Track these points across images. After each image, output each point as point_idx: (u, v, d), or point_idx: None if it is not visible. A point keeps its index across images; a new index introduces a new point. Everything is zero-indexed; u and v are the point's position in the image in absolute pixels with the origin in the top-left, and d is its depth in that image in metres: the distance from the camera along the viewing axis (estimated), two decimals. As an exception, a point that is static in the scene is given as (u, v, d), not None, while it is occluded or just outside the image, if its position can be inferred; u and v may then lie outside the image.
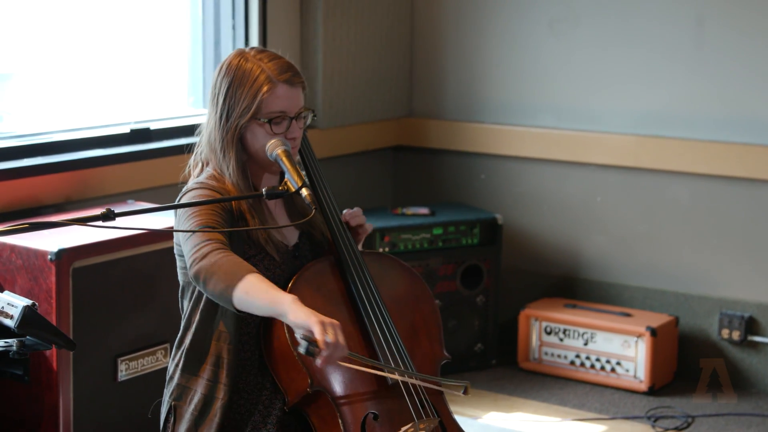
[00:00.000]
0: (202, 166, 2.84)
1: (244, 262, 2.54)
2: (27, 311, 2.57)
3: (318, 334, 2.39)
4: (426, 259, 5.10)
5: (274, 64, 2.73)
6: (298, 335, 2.43)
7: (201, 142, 2.85)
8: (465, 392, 2.65)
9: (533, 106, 5.44)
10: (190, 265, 2.54)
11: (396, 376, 2.71)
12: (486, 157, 5.58)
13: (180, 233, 2.69)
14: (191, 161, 2.88)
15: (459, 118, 5.65)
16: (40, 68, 4.47)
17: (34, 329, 2.58)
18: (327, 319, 2.42)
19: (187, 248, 2.59)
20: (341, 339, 2.44)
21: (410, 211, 5.24)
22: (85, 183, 4.27)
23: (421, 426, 2.69)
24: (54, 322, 3.61)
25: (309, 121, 2.81)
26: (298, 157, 2.85)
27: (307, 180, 2.71)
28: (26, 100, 4.45)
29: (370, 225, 2.93)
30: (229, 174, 2.74)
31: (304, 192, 2.61)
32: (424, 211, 5.24)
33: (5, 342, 2.67)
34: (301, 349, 2.41)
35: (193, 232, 2.61)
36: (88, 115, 4.58)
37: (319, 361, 2.43)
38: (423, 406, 2.75)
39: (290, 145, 2.73)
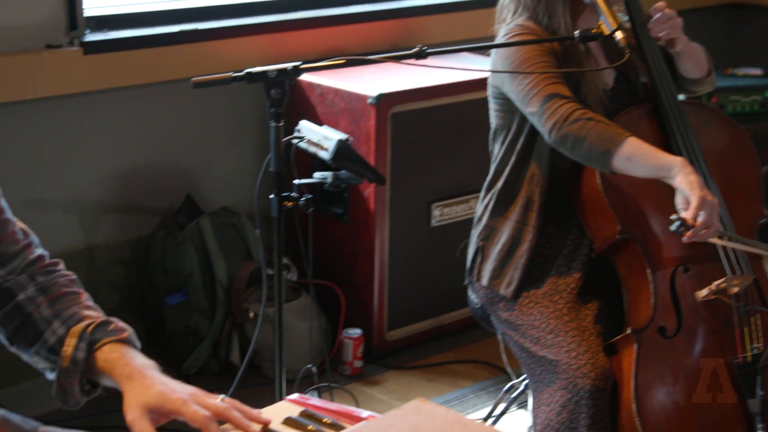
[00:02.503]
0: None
1: (613, 123, 2.49)
2: (341, 144, 2.64)
3: (692, 210, 2.35)
4: (756, 123, 4.83)
5: None
6: (674, 215, 2.38)
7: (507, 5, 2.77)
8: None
9: None
10: (552, 128, 2.49)
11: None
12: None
13: (505, 79, 2.64)
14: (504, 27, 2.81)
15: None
16: None
17: (347, 162, 2.65)
18: (709, 197, 2.37)
19: (534, 107, 2.53)
20: (715, 221, 2.39)
21: (741, 71, 4.97)
22: (410, 31, 4.31)
23: (735, 282, 2.57)
24: (372, 165, 3.72)
25: None
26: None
27: (622, 23, 2.60)
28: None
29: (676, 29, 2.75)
30: (565, 30, 2.65)
31: (619, 35, 2.50)
32: (757, 72, 4.95)
33: (322, 175, 2.77)
34: (672, 227, 2.37)
35: (508, 72, 2.58)
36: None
37: (685, 238, 2.39)
38: (738, 263, 2.63)
39: None
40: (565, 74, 2.61)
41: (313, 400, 1.82)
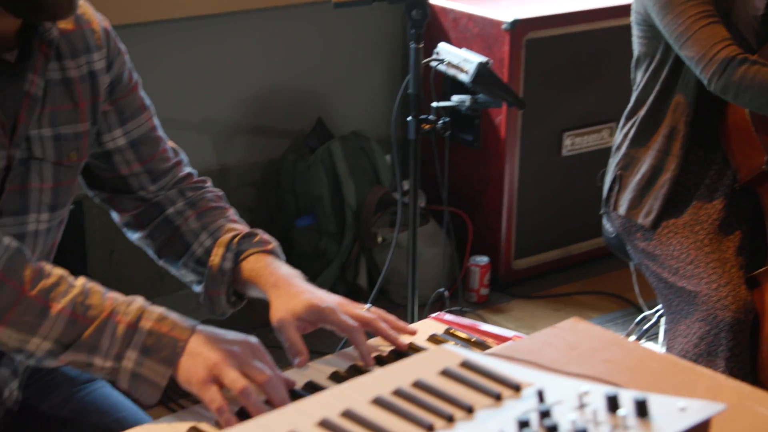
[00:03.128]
0: None
1: None
2: (481, 67, 2.61)
3: None
4: None
5: None
6: None
7: None
8: None
9: None
10: (711, 78, 2.41)
11: None
12: None
13: (653, 9, 2.57)
14: None
15: None
16: None
17: (486, 85, 2.63)
18: None
19: (690, 51, 2.45)
20: None
21: None
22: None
23: None
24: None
25: None
26: None
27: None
28: None
29: None
30: None
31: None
32: None
33: (459, 98, 2.75)
34: None
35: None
36: None
37: None
38: None
39: None
40: (716, 0, 2.53)
41: (457, 318, 1.81)
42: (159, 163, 1.81)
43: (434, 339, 1.72)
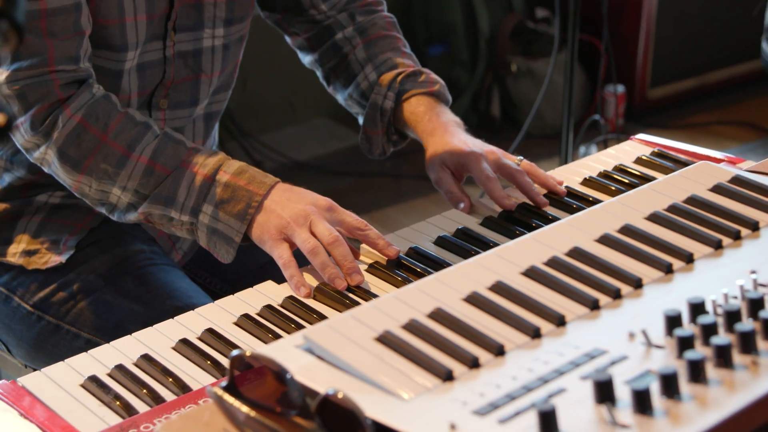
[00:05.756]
0: None
1: None
2: None
3: None
4: None
5: None
6: None
7: None
8: None
9: None
10: None
11: None
12: None
13: None
14: None
15: None
16: None
17: None
18: None
19: None
20: None
21: None
22: None
23: None
24: None
25: None
26: None
27: None
28: None
29: None
30: None
31: None
32: None
33: None
34: None
35: None
36: None
37: None
38: None
39: None
40: None
41: (664, 141, 1.76)
42: None
43: (643, 161, 1.67)
